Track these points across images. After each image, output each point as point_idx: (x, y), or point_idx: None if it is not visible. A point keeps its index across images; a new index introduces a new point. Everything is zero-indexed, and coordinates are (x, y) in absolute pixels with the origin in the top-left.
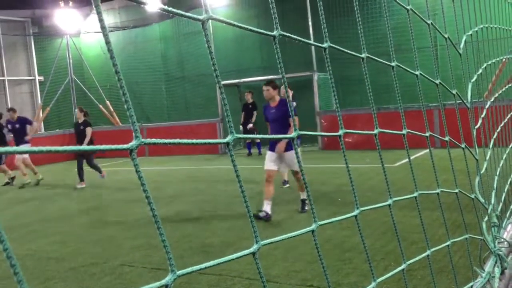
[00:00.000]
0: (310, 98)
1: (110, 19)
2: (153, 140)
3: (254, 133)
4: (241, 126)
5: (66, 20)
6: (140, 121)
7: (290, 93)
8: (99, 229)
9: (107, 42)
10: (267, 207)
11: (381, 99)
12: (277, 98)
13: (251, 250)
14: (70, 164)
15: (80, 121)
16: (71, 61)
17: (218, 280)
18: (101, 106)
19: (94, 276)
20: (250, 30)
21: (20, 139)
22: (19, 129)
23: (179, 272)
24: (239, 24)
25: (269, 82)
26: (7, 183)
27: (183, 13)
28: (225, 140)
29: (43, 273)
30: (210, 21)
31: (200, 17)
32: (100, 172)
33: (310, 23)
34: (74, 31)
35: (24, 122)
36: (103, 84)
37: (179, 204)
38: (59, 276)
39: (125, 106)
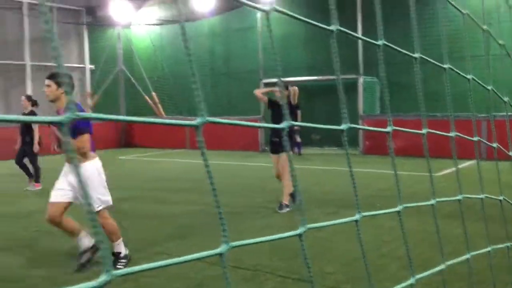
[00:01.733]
0: (354, 101)
1: (161, 13)
2: (216, 119)
3: (297, 133)
4: None
5: (118, 11)
6: (183, 113)
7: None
8: (137, 217)
9: (185, 40)
10: (120, 247)
11: (428, 106)
12: (63, 100)
13: (298, 231)
14: (114, 152)
15: (26, 111)
16: (121, 51)
17: (252, 275)
18: (146, 97)
19: (132, 263)
20: (310, 23)
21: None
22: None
23: (232, 244)
24: (301, 17)
25: (51, 76)
26: None
27: (248, 3)
28: (281, 126)
29: None
30: (258, 19)
31: (265, 8)
32: (37, 179)
33: (360, 26)
34: (126, 23)
35: None
36: (150, 76)
37: (220, 198)
38: (98, 261)
39: (196, 93)
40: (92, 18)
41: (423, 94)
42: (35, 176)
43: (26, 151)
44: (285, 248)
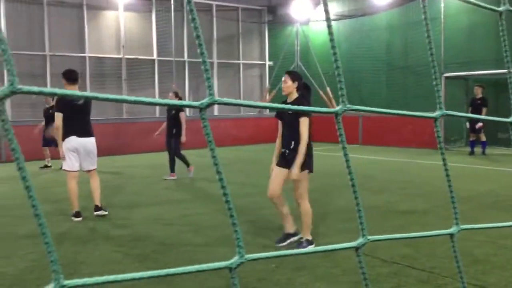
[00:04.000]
0: None
1: (338, 8)
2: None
3: (481, 131)
4: (467, 123)
5: (298, 8)
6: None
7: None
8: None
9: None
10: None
11: None
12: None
13: (450, 231)
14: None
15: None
16: (298, 48)
17: (428, 277)
18: (321, 92)
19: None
20: (477, 5)
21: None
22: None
23: (370, 238)
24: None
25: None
26: (45, 166)
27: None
28: (433, 115)
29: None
30: (441, 9)
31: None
32: (187, 165)
33: None
34: (305, 19)
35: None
36: (325, 71)
37: (388, 194)
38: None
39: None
40: (273, 17)
41: None
42: (171, 167)
43: (170, 144)
44: (464, 253)
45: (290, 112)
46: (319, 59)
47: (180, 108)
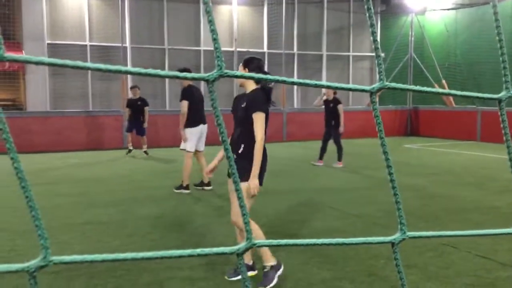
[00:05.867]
0: None
1: None
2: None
3: None
4: None
5: None
6: (476, 103)
7: None
8: (426, 205)
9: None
10: None
11: None
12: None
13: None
14: (400, 140)
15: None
16: (412, 38)
17: None
18: (436, 85)
19: (416, 250)
20: None
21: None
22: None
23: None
24: None
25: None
26: (129, 151)
27: None
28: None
29: (369, 233)
30: None
31: None
32: (339, 158)
33: None
34: (420, 9)
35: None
36: (441, 63)
37: (510, 195)
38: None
39: None
40: (386, 7)
41: None
42: (338, 155)
43: (332, 133)
44: None
45: (243, 105)
46: (435, 50)
47: (339, 101)
